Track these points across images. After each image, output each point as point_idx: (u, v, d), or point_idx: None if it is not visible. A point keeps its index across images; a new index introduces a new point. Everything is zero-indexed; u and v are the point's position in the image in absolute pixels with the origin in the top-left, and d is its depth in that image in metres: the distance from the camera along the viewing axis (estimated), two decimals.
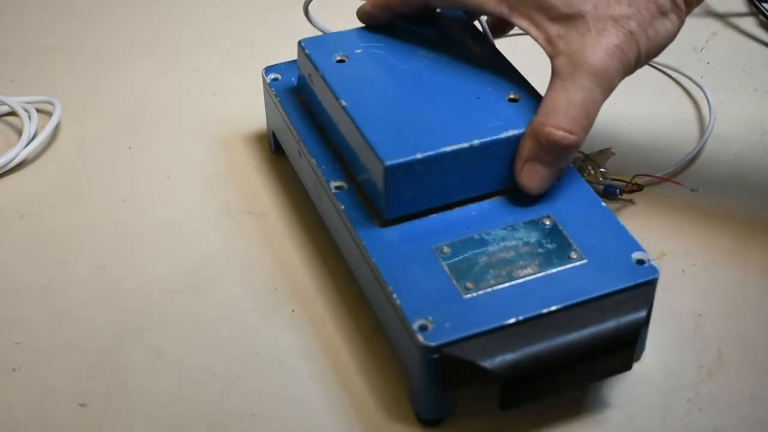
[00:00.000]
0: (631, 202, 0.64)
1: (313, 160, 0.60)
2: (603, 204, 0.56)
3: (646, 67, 0.75)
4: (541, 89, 0.57)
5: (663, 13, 0.56)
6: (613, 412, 0.53)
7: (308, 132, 0.61)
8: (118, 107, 0.74)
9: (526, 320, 0.50)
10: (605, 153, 0.65)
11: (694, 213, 0.64)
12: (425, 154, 0.54)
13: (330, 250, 0.61)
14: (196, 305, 0.59)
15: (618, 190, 0.63)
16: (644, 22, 0.55)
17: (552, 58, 0.56)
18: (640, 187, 0.63)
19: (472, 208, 0.56)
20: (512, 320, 0.50)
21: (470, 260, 0.53)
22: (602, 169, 0.64)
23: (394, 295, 0.52)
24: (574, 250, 0.54)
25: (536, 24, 0.57)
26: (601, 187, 0.63)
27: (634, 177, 0.63)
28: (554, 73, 0.56)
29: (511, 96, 0.58)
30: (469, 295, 0.51)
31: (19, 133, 0.71)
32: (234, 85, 0.75)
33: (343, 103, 0.57)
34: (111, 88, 0.76)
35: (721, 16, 0.81)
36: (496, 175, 0.56)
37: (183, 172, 0.68)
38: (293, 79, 0.65)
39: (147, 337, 0.58)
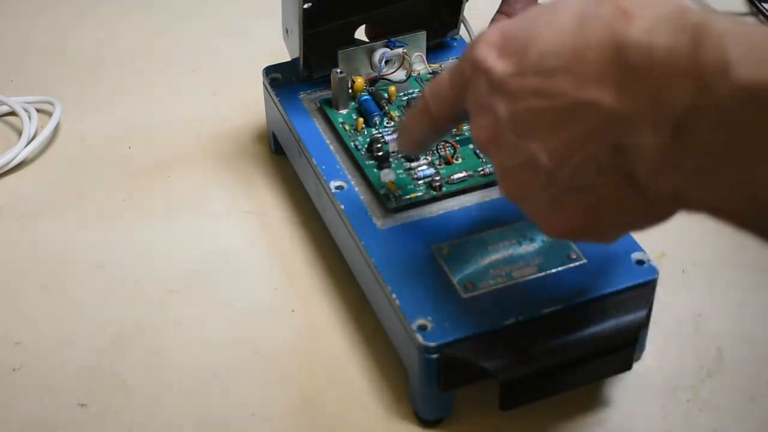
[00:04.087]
0: None
1: (313, 160, 0.59)
2: None
3: None
4: None
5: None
6: (614, 412, 0.53)
7: (308, 132, 0.61)
8: (118, 107, 0.74)
9: (526, 320, 0.50)
10: None
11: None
12: None
13: (330, 249, 0.61)
14: (196, 305, 0.59)
15: None
16: None
17: None
18: None
19: (472, 209, 0.56)
20: (512, 320, 0.50)
21: (470, 260, 0.53)
22: None
23: (394, 295, 0.52)
24: (574, 251, 0.53)
25: None
26: None
27: None
28: None
29: None
30: (468, 295, 0.51)
31: (19, 133, 0.71)
32: (234, 85, 0.75)
33: None
34: (111, 88, 0.76)
35: None
36: None
37: (183, 171, 0.68)
38: (293, 79, 0.65)
39: (147, 337, 0.58)
